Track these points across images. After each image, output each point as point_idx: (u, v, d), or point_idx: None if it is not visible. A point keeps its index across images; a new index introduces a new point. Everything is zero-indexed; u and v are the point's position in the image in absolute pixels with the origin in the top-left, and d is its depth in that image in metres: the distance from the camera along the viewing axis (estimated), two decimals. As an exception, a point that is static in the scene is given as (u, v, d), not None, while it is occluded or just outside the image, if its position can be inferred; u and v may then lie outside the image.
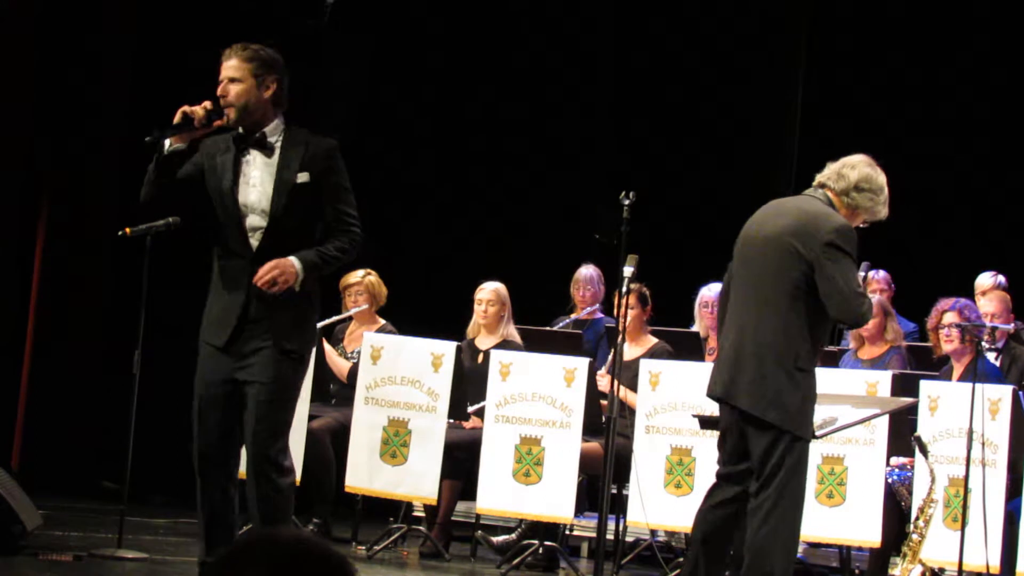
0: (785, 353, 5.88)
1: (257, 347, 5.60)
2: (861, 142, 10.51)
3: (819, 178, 6.16)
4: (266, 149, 5.61)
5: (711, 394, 6.15)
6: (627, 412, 8.13)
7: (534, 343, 8.97)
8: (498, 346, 8.80)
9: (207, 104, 5.56)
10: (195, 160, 5.67)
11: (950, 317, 7.95)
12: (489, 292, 8.97)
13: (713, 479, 6.19)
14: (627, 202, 7.26)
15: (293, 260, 5.50)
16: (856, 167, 6.11)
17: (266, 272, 5.47)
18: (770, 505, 5.90)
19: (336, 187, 5.63)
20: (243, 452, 5.76)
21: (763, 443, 5.91)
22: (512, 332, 8.99)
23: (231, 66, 5.59)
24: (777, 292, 5.93)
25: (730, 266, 6.21)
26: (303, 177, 5.58)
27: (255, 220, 5.60)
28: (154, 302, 7.49)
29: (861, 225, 6.15)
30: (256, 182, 5.61)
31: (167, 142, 5.54)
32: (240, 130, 5.63)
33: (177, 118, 5.53)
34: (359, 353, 8.77)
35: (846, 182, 6.08)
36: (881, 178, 6.14)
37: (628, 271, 7.18)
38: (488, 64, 11.77)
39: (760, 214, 6.16)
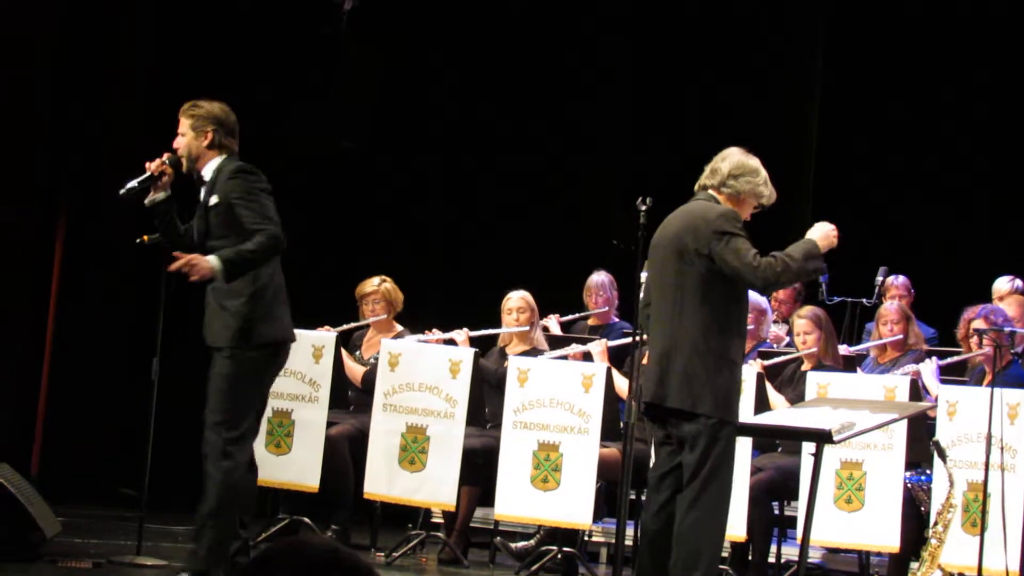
0: (707, 348, 6.15)
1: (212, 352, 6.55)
2: (879, 158, 10.39)
3: (699, 182, 6.43)
4: (204, 184, 6.60)
5: (645, 409, 6.39)
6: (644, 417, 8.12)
7: (551, 350, 8.96)
8: (527, 353, 8.79)
9: (165, 155, 6.61)
10: None
11: (979, 324, 7.95)
12: (518, 300, 8.97)
13: (656, 480, 6.37)
14: (644, 207, 7.25)
15: (210, 256, 6.36)
16: (727, 158, 6.38)
17: (176, 265, 6.33)
18: (697, 493, 6.12)
19: (239, 202, 6.44)
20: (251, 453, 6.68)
21: (691, 432, 6.14)
22: (540, 338, 9.00)
23: (181, 123, 6.65)
24: (686, 293, 6.21)
25: (647, 277, 6.52)
26: (213, 199, 6.52)
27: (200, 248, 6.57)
28: (172, 309, 7.51)
29: (754, 211, 6.43)
30: (198, 214, 6.64)
31: (148, 196, 6.63)
32: (193, 176, 6.67)
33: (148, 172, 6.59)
34: (377, 358, 8.78)
35: (720, 175, 6.35)
36: (753, 161, 6.39)
37: (645, 277, 7.18)
38: (502, 65, 11.75)
39: (660, 227, 6.44)
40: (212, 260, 6.33)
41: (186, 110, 6.65)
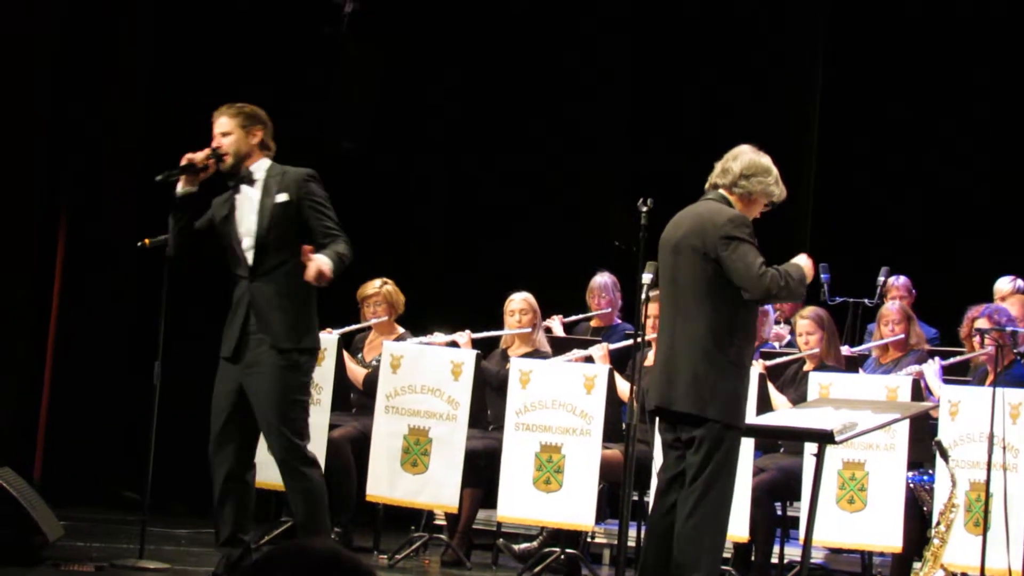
0: (715, 351, 6.16)
1: (258, 356, 6.46)
2: (879, 158, 10.34)
3: (710, 180, 6.44)
4: (252, 182, 6.59)
5: (650, 408, 6.43)
6: (647, 418, 8.12)
7: (554, 351, 8.96)
8: (529, 355, 8.79)
9: (209, 150, 6.59)
10: (208, 214, 6.69)
11: (982, 323, 7.95)
12: (520, 302, 8.97)
13: (664, 483, 6.40)
14: (645, 208, 7.24)
15: (322, 257, 6.33)
16: (738, 157, 6.39)
17: (313, 275, 6.28)
18: (698, 496, 6.16)
19: (315, 205, 6.53)
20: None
21: (696, 435, 6.17)
22: (542, 340, 9.00)
23: (222, 123, 6.65)
24: (695, 296, 6.23)
25: (655, 277, 6.54)
26: (282, 197, 6.52)
27: (248, 241, 6.55)
28: (174, 313, 7.51)
29: (764, 208, 6.44)
30: (246, 210, 6.57)
31: (179, 187, 6.58)
32: (234, 174, 6.63)
33: (183, 162, 6.56)
34: (379, 361, 8.78)
35: (732, 175, 6.36)
36: (764, 160, 6.40)
37: (647, 278, 7.17)
38: (502, 65, 11.74)
39: (668, 227, 6.46)
40: (326, 259, 6.31)
41: (226, 110, 6.67)
